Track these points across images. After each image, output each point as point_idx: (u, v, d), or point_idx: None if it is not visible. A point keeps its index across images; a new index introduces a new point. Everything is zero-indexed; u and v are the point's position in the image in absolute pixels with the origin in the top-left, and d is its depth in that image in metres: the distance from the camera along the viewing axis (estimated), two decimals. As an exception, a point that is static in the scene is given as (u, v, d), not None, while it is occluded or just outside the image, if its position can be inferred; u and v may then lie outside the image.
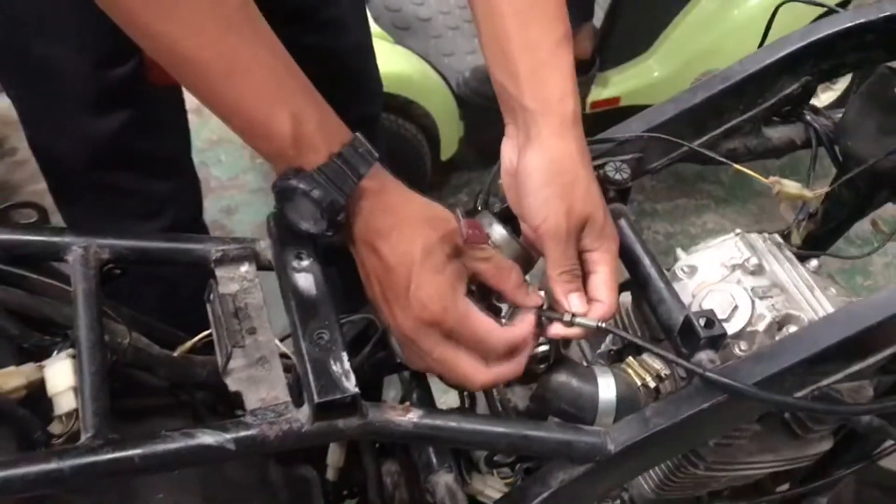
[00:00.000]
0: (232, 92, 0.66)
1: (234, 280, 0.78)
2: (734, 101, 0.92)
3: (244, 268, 0.79)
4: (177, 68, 0.66)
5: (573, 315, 0.75)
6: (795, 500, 1.12)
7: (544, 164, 0.75)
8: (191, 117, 1.28)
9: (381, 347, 0.93)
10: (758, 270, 0.89)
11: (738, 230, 0.95)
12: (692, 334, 0.76)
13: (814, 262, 0.94)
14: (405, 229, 0.71)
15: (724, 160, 0.92)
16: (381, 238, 0.71)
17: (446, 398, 1.07)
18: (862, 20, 0.89)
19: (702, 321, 0.76)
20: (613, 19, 2.15)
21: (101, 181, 1.15)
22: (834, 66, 0.93)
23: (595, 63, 2.21)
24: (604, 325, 0.75)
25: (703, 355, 0.76)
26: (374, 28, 1.99)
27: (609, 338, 1.07)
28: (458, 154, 2.21)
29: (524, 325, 0.76)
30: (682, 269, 0.93)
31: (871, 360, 0.75)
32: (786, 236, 1.02)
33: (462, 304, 0.72)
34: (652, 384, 0.83)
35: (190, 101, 1.27)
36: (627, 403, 0.80)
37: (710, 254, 0.93)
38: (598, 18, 2.18)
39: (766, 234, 0.95)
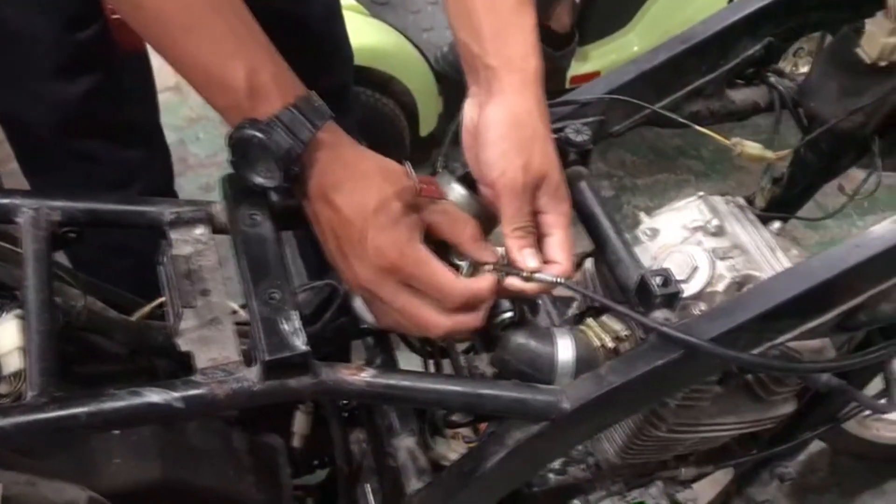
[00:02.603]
0: (191, 44, 0.67)
1: (188, 242, 0.77)
2: (696, 62, 0.92)
3: (199, 230, 0.78)
4: (140, 19, 0.68)
5: (531, 271, 0.75)
6: (763, 464, 1.12)
7: (504, 118, 0.76)
8: (169, 95, 1.28)
9: (343, 312, 0.93)
10: (719, 232, 0.89)
11: (701, 193, 0.95)
12: (648, 293, 0.76)
13: (776, 224, 0.94)
14: (360, 182, 0.71)
15: (685, 122, 0.92)
16: (336, 191, 0.71)
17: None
18: (823, -22, 0.88)
19: (658, 280, 0.76)
20: (593, -7, 2.14)
21: (70, 149, 1.14)
22: (797, 26, 0.92)
23: (574, 37, 2.19)
24: (561, 280, 0.75)
25: (659, 314, 0.76)
26: (351, 1, 1.97)
27: (575, 304, 1.07)
28: (437, 130, 2.20)
29: (484, 279, 0.76)
30: (645, 232, 0.92)
31: (825, 317, 0.75)
32: (751, 199, 1.02)
33: (419, 251, 0.72)
34: (611, 345, 0.82)
35: (167, 79, 1.27)
36: (586, 364, 0.80)
37: (672, 216, 0.93)
38: (578, -8, 2.16)
39: (730, 197, 0.95)
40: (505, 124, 0.75)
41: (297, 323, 0.67)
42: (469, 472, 0.78)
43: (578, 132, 0.88)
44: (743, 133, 0.96)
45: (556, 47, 2.15)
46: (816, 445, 1.77)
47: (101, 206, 0.77)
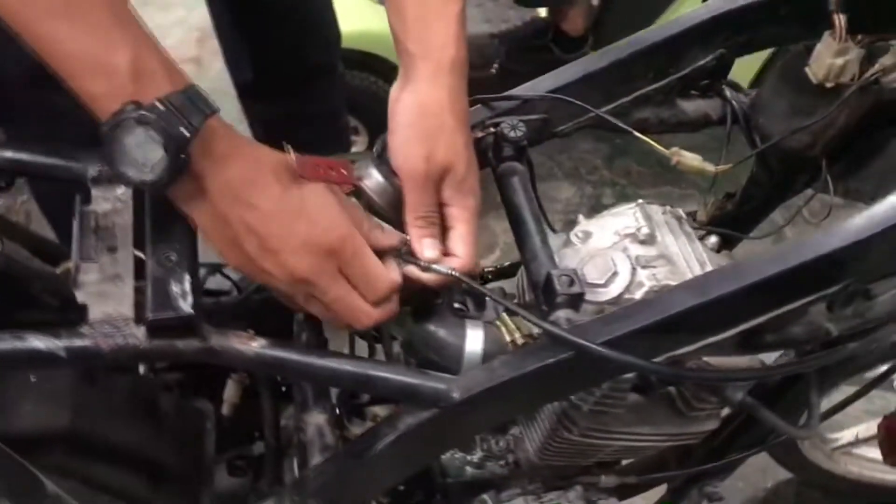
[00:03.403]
0: (68, 29, 0.62)
1: (108, 200, 0.79)
2: (643, 68, 0.91)
3: (120, 189, 0.80)
4: (7, 5, 0.62)
5: (428, 261, 0.76)
6: (693, 481, 1.11)
7: (411, 106, 0.76)
8: (189, 67, 1.27)
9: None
10: (648, 240, 0.88)
11: (640, 200, 0.94)
12: (552, 292, 0.76)
13: (712, 239, 0.93)
14: (271, 174, 0.68)
15: (627, 128, 0.91)
16: (250, 187, 0.67)
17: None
18: (773, -7, 0.87)
19: (563, 280, 0.76)
20: (612, -3, 2.12)
21: (35, 102, 1.15)
22: (749, 40, 0.91)
23: (587, 41, 2.18)
24: (456, 273, 0.75)
25: (562, 313, 0.76)
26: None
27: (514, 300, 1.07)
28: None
29: (396, 270, 0.77)
30: (577, 235, 0.92)
31: (724, 334, 0.74)
32: (695, 213, 1.01)
33: (359, 239, 0.72)
34: (520, 341, 0.82)
35: (187, 51, 1.27)
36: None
37: (607, 221, 0.92)
38: (596, -4, 2.15)
39: (668, 207, 0.94)
40: (412, 112, 0.75)
41: (187, 286, 0.69)
42: (361, 452, 0.79)
43: (514, 128, 0.88)
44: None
45: (566, 50, 2.14)
46: (784, 475, 1.74)
47: (28, 156, 0.79)
